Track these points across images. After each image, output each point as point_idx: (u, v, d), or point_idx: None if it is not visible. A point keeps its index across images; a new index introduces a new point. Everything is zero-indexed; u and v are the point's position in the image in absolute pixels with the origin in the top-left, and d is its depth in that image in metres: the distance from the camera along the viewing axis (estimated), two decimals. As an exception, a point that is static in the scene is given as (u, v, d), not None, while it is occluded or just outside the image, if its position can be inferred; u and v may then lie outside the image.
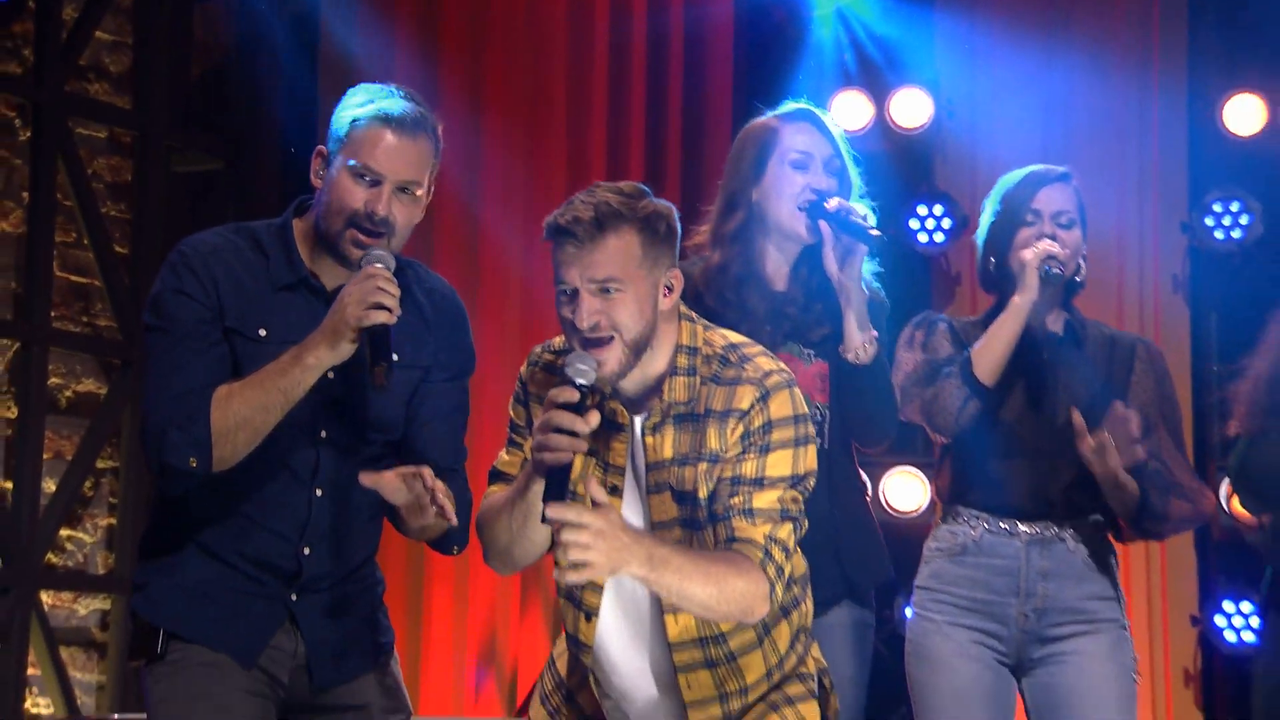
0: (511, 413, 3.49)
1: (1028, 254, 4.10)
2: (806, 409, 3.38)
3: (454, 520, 3.37)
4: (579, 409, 3.14)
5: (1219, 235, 6.33)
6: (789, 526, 3.33)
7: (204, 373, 3.36)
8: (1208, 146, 6.49)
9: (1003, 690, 4.21)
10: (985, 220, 4.32)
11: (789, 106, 4.15)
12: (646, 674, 3.49)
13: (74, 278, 5.71)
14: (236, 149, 6.08)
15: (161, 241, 5.81)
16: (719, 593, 3.26)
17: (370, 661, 3.60)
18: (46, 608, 5.46)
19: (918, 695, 4.29)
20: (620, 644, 3.47)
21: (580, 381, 3.16)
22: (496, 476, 3.46)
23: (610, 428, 3.33)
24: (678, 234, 3.34)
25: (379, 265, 3.32)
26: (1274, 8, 6.49)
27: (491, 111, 6.23)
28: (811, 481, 3.42)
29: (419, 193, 3.46)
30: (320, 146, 3.45)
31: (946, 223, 6.63)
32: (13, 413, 5.45)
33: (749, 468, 3.33)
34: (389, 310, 3.26)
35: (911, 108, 6.65)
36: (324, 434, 3.45)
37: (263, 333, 3.40)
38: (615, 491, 3.35)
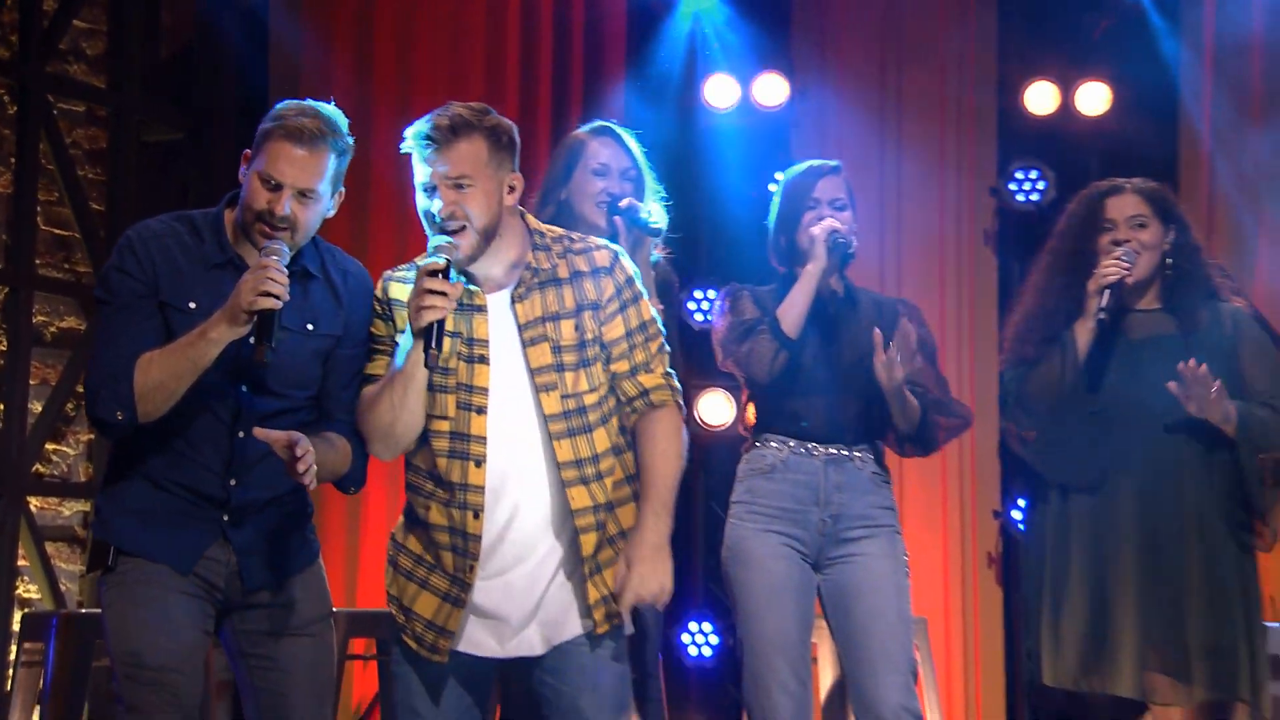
0: (373, 329, 3.50)
1: (817, 230, 4.13)
2: None
3: (308, 484, 3.34)
4: (446, 276, 3.21)
5: (1020, 198, 6.41)
6: (666, 353, 3.48)
7: (134, 341, 3.36)
8: (1012, 124, 6.58)
9: (807, 584, 4.19)
10: (775, 206, 4.32)
11: (597, 124, 4.30)
12: (536, 496, 3.41)
13: (56, 231, 5.67)
14: (197, 122, 6.01)
15: (132, 201, 5.80)
16: (679, 455, 3.47)
17: (295, 567, 3.57)
18: (35, 511, 5.45)
19: (737, 592, 4.25)
20: (509, 476, 3.39)
21: (443, 257, 3.22)
22: (366, 380, 3.48)
23: (470, 310, 3.36)
24: (517, 145, 3.40)
25: (273, 258, 3.30)
26: (1067, 8, 6.53)
27: (420, 98, 6.11)
28: None
29: (317, 196, 3.42)
30: (246, 150, 3.44)
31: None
32: (3, 346, 5.42)
33: (632, 319, 3.43)
34: (276, 297, 3.25)
35: (771, 89, 6.57)
36: (244, 388, 3.42)
37: (192, 305, 3.40)
38: (483, 360, 3.34)
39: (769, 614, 4.16)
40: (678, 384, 3.50)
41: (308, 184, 3.39)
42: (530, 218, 3.53)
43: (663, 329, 3.61)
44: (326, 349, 3.51)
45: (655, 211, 4.20)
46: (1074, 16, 6.50)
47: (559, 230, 3.54)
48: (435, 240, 3.30)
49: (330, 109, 3.47)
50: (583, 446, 3.38)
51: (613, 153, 4.21)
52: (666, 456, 3.42)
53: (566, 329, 3.38)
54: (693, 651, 6.33)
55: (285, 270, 3.30)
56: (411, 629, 3.41)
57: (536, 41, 6.54)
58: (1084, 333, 3.98)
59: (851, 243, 4.18)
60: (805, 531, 4.16)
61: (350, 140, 3.48)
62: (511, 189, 3.38)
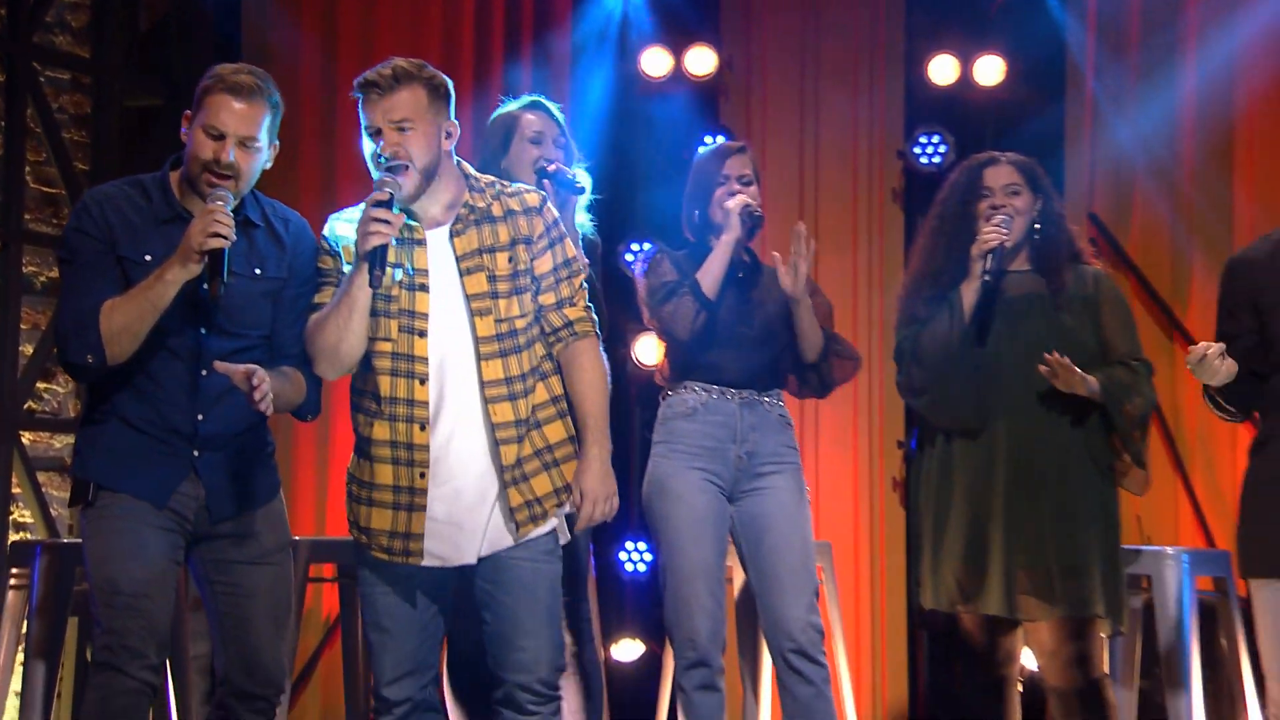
0: (320, 264, 3.53)
1: (731, 204, 4.17)
2: None
3: (265, 411, 3.36)
4: (389, 207, 3.25)
5: (924, 161, 6.35)
6: (586, 289, 3.55)
7: (97, 293, 3.39)
8: (917, 93, 6.54)
9: (723, 515, 4.24)
10: (690, 182, 4.35)
11: (528, 99, 4.30)
12: (473, 410, 3.42)
13: (44, 189, 5.63)
14: (174, 89, 5.89)
15: (114, 162, 5.75)
16: (605, 380, 3.52)
17: (258, 500, 3.59)
18: (28, 444, 5.45)
19: (660, 524, 4.30)
20: (448, 393, 3.42)
21: (388, 191, 3.27)
22: (314, 308, 3.50)
23: (411, 243, 3.40)
24: (452, 96, 3.47)
25: (219, 203, 3.34)
26: None
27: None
28: None
29: (258, 145, 3.46)
30: (186, 111, 3.47)
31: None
32: None
33: (558, 255, 3.49)
34: (224, 237, 3.29)
35: (701, 60, 6.50)
36: (204, 330, 3.44)
37: (148, 258, 3.42)
38: (424, 288, 3.38)
39: (690, 543, 4.19)
40: (595, 317, 3.55)
41: (249, 132, 3.42)
42: (465, 164, 3.57)
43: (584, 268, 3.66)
44: (275, 290, 3.53)
45: (580, 175, 4.23)
46: None
47: (490, 177, 3.58)
48: (383, 178, 3.32)
49: (261, 70, 3.53)
50: (512, 366, 3.41)
51: (545, 123, 4.21)
52: (594, 385, 3.48)
53: (501, 260, 3.42)
54: (629, 568, 6.39)
55: (230, 214, 3.33)
56: (376, 544, 3.43)
57: (490, 20, 6.46)
58: (969, 293, 3.99)
59: (760, 214, 4.24)
60: (723, 467, 4.20)
61: (279, 98, 3.52)
62: (449, 135, 3.44)
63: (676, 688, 4.36)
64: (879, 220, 6.56)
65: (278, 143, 3.55)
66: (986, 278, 3.96)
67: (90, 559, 3.48)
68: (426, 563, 3.41)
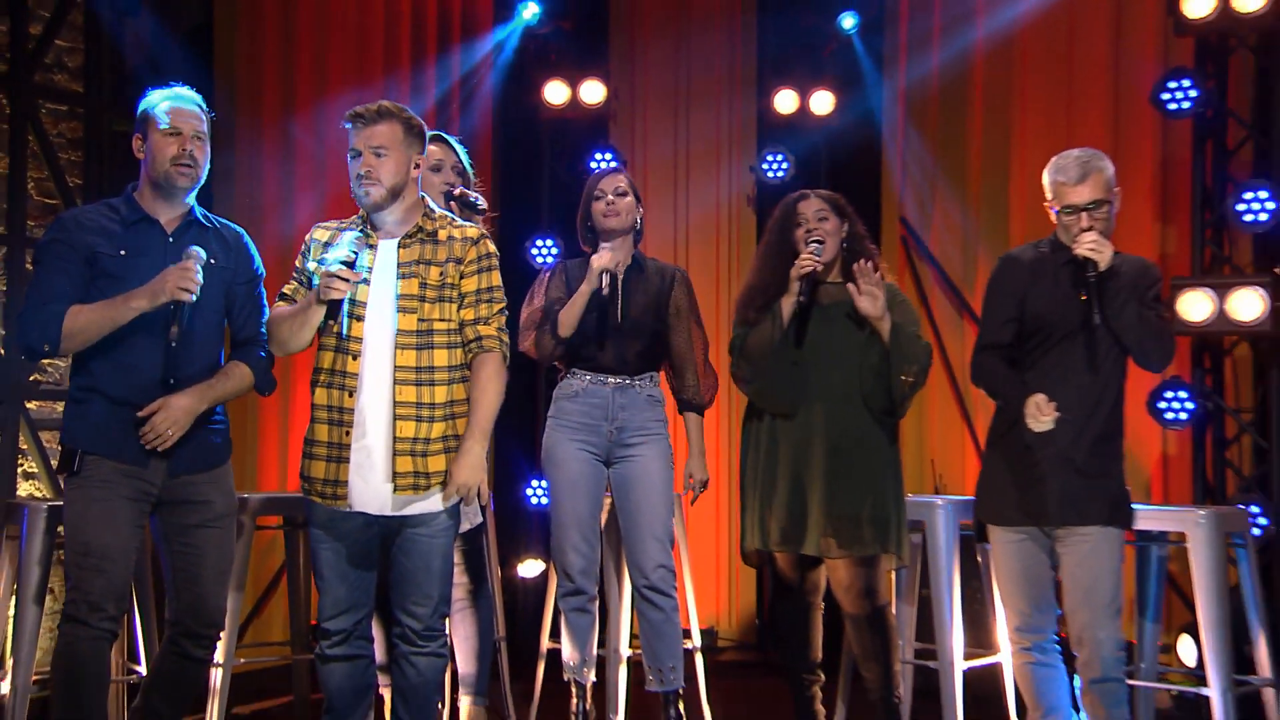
0: (298, 262, 3.53)
1: (594, 262, 4.16)
2: None
3: (161, 445, 3.39)
4: (351, 267, 3.33)
5: (770, 175, 6.35)
6: (504, 315, 3.52)
7: (61, 293, 3.41)
8: (766, 120, 6.54)
9: (599, 477, 4.28)
10: (582, 198, 4.33)
11: (431, 133, 4.06)
12: (388, 387, 3.39)
13: (45, 200, 5.36)
14: None
15: (103, 177, 5.54)
16: (499, 393, 3.48)
17: (211, 463, 3.57)
18: (33, 410, 5.26)
19: (549, 483, 4.36)
20: (370, 370, 3.39)
21: (354, 255, 3.34)
22: (283, 297, 3.52)
23: (366, 247, 3.43)
24: (425, 135, 3.52)
25: (194, 261, 3.39)
26: (805, 36, 6.46)
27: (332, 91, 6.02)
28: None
29: (205, 139, 3.52)
30: (135, 135, 3.53)
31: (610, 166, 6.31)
32: (4, 286, 5.23)
33: (483, 281, 3.48)
34: (190, 294, 3.36)
35: (593, 91, 6.51)
36: (172, 305, 3.38)
37: (122, 252, 3.45)
38: (366, 282, 3.41)
39: (567, 499, 4.24)
40: (508, 340, 3.54)
41: (200, 129, 3.49)
42: (430, 199, 3.60)
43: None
44: (227, 279, 3.56)
45: (479, 195, 4.16)
46: (810, 42, 6.44)
47: (447, 213, 3.61)
48: (354, 239, 3.40)
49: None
50: (424, 358, 3.41)
51: (444, 152, 4.13)
52: (486, 392, 3.46)
53: (434, 272, 3.43)
54: (533, 501, 6.44)
55: (200, 273, 3.37)
56: (315, 490, 3.44)
57: (424, 54, 6.36)
58: (787, 306, 3.97)
59: (615, 272, 4.18)
60: (598, 439, 4.23)
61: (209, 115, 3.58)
62: (416, 165, 3.48)
63: (556, 608, 4.43)
64: (737, 220, 6.63)
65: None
66: (801, 298, 3.95)
67: (68, 523, 3.45)
68: (351, 507, 3.39)
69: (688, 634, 4.66)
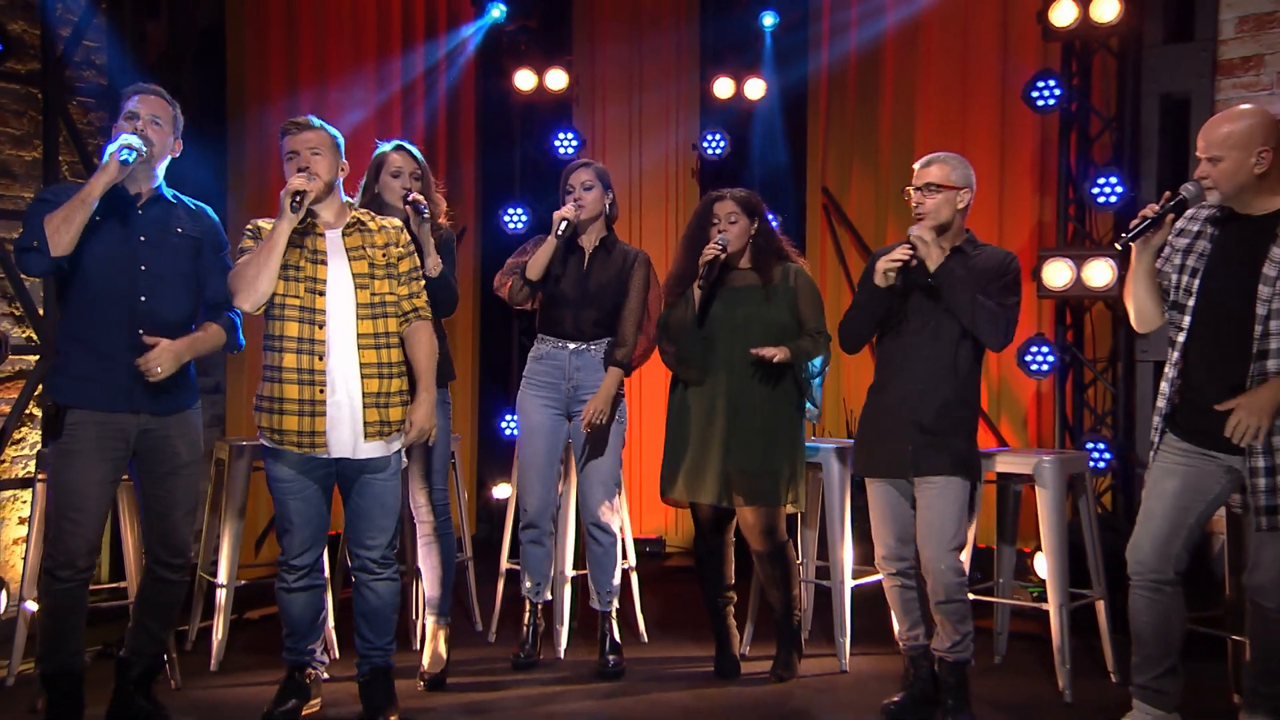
0: (250, 242, 3.50)
1: (556, 215, 4.13)
2: None
3: (151, 376, 3.34)
4: (307, 179, 3.39)
5: (710, 152, 6.36)
6: (424, 291, 3.65)
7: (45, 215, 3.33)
8: (707, 104, 6.52)
9: (559, 428, 4.29)
10: (560, 188, 4.25)
11: (394, 142, 4.14)
12: (351, 351, 3.48)
13: (78, 181, 5.24)
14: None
15: None
16: (433, 352, 3.60)
17: (175, 407, 3.50)
18: None
19: (519, 433, 4.37)
20: (334, 337, 3.46)
21: (300, 187, 3.37)
22: (241, 254, 3.51)
23: (314, 235, 3.49)
24: (342, 145, 3.55)
25: (127, 130, 3.36)
26: (740, 29, 6.42)
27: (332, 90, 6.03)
28: None
29: (163, 124, 3.45)
30: (114, 123, 3.47)
31: (572, 144, 6.48)
32: None
33: (412, 262, 3.62)
34: (131, 149, 3.29)
35: (557, 78, 6.50)
36: (143, 267, 3.42)
37: (97, 218, 3.35)
38: (324, 262, 3.48)
39: (528, 446, 4.29)
40: (429, 307, 3.65)
41: (158, 113, 3.44)
42: (348, 197, 3.65)
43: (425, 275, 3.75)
44: (194, 246, 3.53)
45: (436, 200, 4.12)
46: (743, 36, 6.38)
47: (363, 209, 3.67)
48: (294, 179, 3.39)
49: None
50: (379, 326, 3.51)
51: (405, 160, 4.07)
52: (426, 351, 3.58)
53: (378, 254, 3.55)
54: (506, 433, 6.50)
55: (140, 146, 3.32)
56: (288, 440, 3.44)
57: (414, 46, 6.35)
58: (696, 290, 4.00)
59: (574, 221, 4.14)
60: (558, 396, 4.26)
61: (175, 106, 3.52)
62: (344, 170, 3.56)
63: (515, 538, 4.47)
64: (683, 191, 6.65)
65: (180, 141, 3.53)
66: (702, 283, 3.96)
67: (52, 485, 3.45)
68: (330, 453, 3.44)
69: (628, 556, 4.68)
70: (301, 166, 3.44)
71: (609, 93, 6.71)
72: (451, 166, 6.64)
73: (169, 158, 3.53)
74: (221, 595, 4.33)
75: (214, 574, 4.40)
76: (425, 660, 4.14)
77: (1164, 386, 3.31)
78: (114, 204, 3.38)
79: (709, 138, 6.43)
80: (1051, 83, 5.06)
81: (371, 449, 3.51)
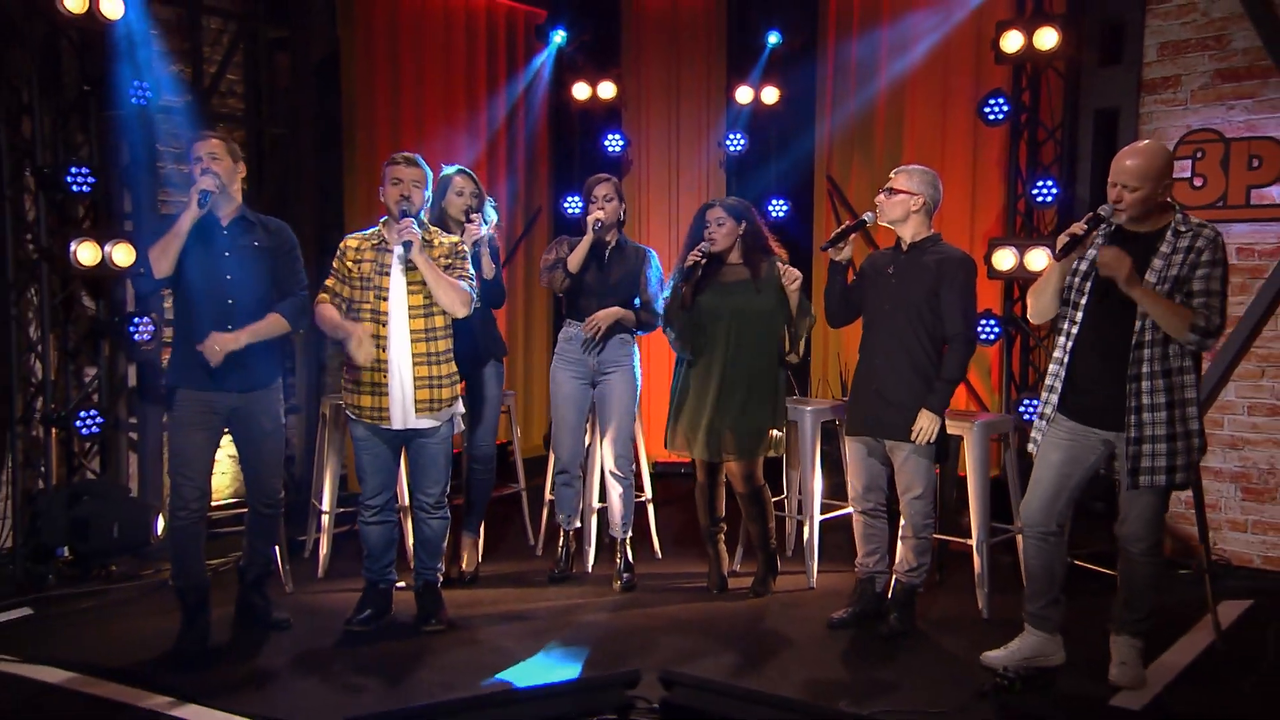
0: (335, 264, 3.63)
1: (589, 218, 4.15)
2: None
3: (212, 360, 3.36)
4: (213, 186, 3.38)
5: (732, 149, 6.28)
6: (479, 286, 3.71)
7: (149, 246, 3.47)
8: (730, 109, 6.38)
9: (585, 394, 4.34)
10: (584, 196, 4.28)
11: (455, 168, 4.16)
12: (407, 343, 3.55)
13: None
14: (294, 126, 5.58)
15: (265, 169, 5.46)
16: (455, 294, 3.57)
17: (252, 385, 3.54)
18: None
19: (552, 398, 4.38)
20: (394, 333, 3.55)
21: (405, 217, 3.47)
22: (324, 289, 3.61)
23: (384, 250, 3.60)
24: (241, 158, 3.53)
25: (208, 176, 3.41)
26: (755, 43, 6.24)
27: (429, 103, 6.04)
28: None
29: (218, 159, 3.47)
30: (191, 164, 3.52)
31: (619, 145, 6.47)
32: None
33: (468, 265, 3.67)
34: (204, 187, 3.37)
35: (608, 89, 6.43)
36: (229, 276, 3.49)
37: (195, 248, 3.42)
38: (386, 273, 3.56)
39: (561, 407, 4.34)
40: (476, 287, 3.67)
41: (214, 151, 3.48)
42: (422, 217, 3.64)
43: (472, 273, 3.72)
44: (270, 254, 3.55)
45: (490, 214, 4.17)
46: (758, 48, 6.25)
47: (431, 226, 3.75)
48: (402, 215, 3.48)
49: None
50: (429, 323, 3.59)
51: (465, 181, 4.14)
52: (457, 288, 3.59)
53: (419, 271, 3.57)
54: None
55: (215, 180, 3.39)
56: (364, 415, 3.62)
57: (496, 74, 6.37)
58: (687, 284, 4.02)
59: (605, 222, 4.13)
60: (584, 369, 4.30)
61: (230, 141, 3.52)
62: (426, 201, 3.61)
63: (552, 482, 4.53)
64: (713, 179, 6.60)
65: (243, 167, 3.55)
66: (684, 286, 3.99)
67: (169, 449, 3.65)
68: (391, 425, 3.57)
69: (643, 491, 4.76)
70: (404, 194, 3.54)
71: (651, 100, 6.66)
72: (532, 162, 6.71)
73: (238, 178, 3.58)
74: (325, 519, 4.50)
75: (321, 501, 4.55)
76: (464, 564, 4.39)
77: (1053, 369, 3.31)
78: (205, 228, 3.47)
79: (730, 137, 6.40)
80: (1000, 100, 4.97)
81: (423, 421, 3.63)
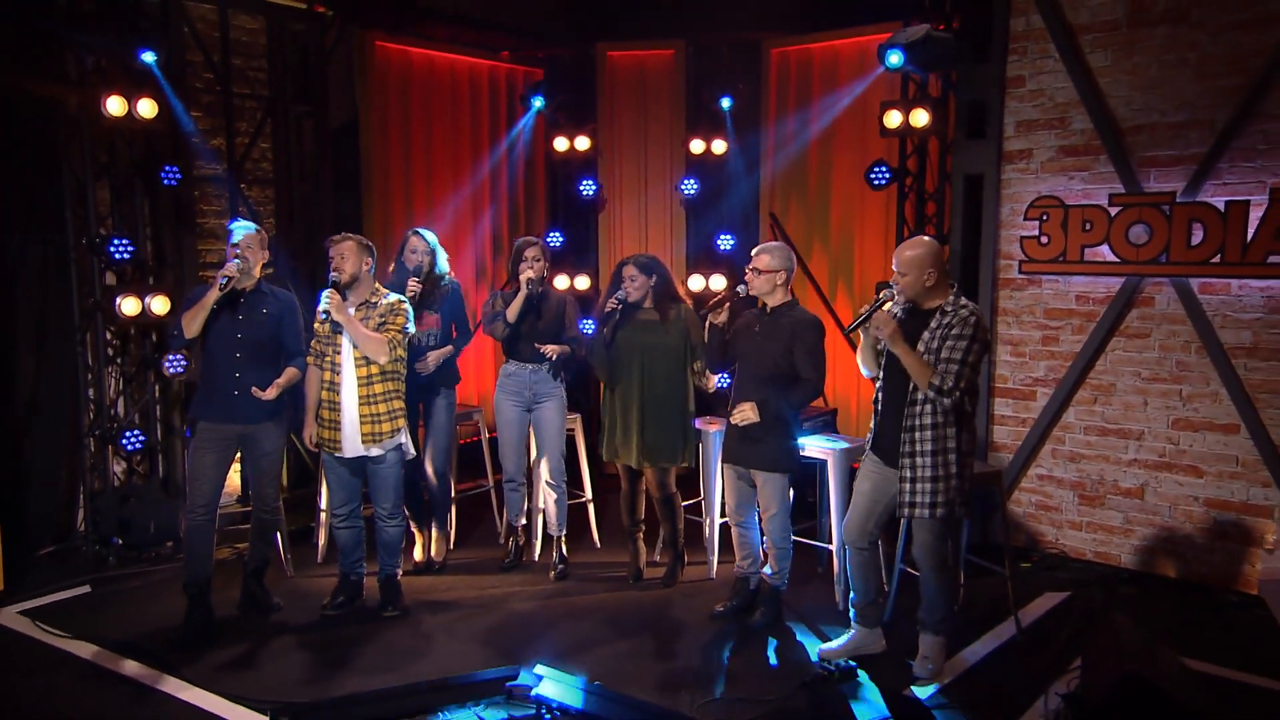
0: (315, 326, 3.79)
1: (521, 276, 4.32)
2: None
3: (268, 398, 3.58)
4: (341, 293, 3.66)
5: (688, 194, 6.29)
6: (403, 337, 3.72)
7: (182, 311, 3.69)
8: (690, 158, 6.37)
9: (525, 419, 4.46)
10: (514, 256, 4.34)
11: (412, 231, 4.24)
12: (353, 387, 3.69)
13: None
14: (316, 188, 5.67)
15: (292, 226, 5.52)
16: (373, 345, 3.65)
17: (261, 418, 3.72)
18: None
19: (497, 423, 4.44)
20: (341, 379, 3.64)
21: (236, 268, 3.63)
22: (310, 350, 3.75)
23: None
24: (374, 251, 3.73)
25: (233, 263, 3.66)
26: (706, 104, 6.23)
27: (439, 154, 6.20)
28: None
29: (250, 249, 3.71)
30: (228, 246, 3.70)
31: (592, 189, 6.53)
32: None
33: (395, 328, 3.74)
34: (224, 276, 3.58)
35: (584, 141, 6.36)
36: (240, 335, 3.70)
37: (218, 309, 3.62)
38: (340, 331, 3.70)
39: (505, 431, 4.47)
40: (401, 346, 3.74)
41: (248, 241, 3.70)
42: (377, 284, 3.79)
43: (409, 329, 3.77)
44: (276, 319, 3.77)
45: (441, 264, 4.28)
46: (711, 108, 6.13)
47: (382, 290, 3.83)
48: (332, 282, 3.60)
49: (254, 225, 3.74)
50: (369, 370, 3.73)
51: (418, 241, 4.29)
52: (378, 342, 3.67)
53: (371, 323, 3.74)
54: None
55: (236, 266, 3.57)
56: (325, 445, 3.81)
57: (498, 130, 6.52)
58: (606, 326, 4.16)
59: (539, 278, 4.26)
60: (522, 399, 4.42)
61: (260, 233, 3.71)
62: (368, 266, 3.66)
63: (501, 488, 4.72)
64: (675, 218, 6.63)
65: (267, 253, 3.76)
66: (604, 326, 4.13)
67: (187, 466, 3.81)
68: (343, 454, 3.75)
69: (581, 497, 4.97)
70: (335, 266, 3.68)
71: (623, 150, 6.74)
72: (529, 203, 6.92)
73: (260, 263, 3.84)
74: (322, 516, 4.73)
75: (320, 501, 4.72)
76: (433, 553, 4.60)
77: (873, 415, 3.55)
78: (229, 298, 3.78)
79: (686, 182, 6.45)
80: (883, 168, 5.16)
81: (371, 450, 3.81)
